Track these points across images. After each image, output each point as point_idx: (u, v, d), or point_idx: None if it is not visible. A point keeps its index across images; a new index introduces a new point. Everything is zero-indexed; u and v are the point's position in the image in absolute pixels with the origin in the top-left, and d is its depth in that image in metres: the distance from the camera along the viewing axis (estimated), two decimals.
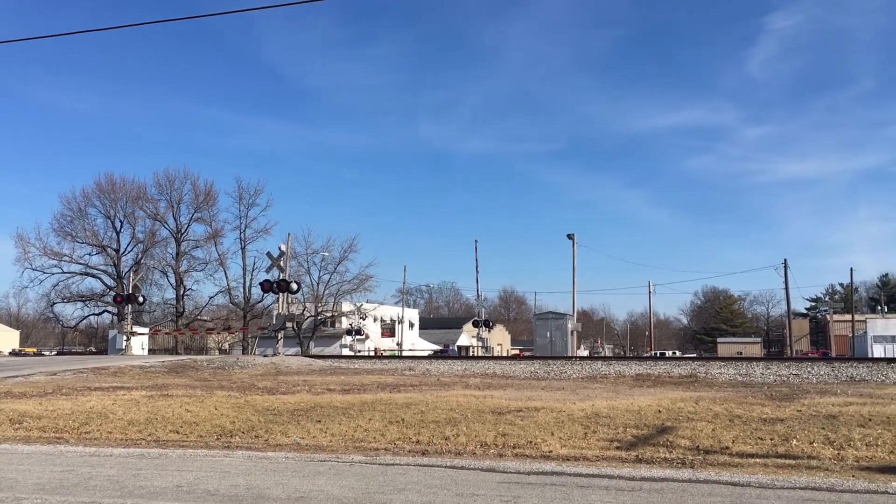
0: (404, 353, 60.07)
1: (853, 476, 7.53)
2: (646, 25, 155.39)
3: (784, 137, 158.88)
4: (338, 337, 68.78)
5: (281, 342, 34.70)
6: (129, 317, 42.21)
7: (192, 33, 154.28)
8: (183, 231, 62.65)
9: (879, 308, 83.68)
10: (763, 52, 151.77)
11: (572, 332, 40.08)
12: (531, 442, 9.38)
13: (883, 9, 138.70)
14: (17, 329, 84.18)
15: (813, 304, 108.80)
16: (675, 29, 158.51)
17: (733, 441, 9.14)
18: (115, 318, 55.58)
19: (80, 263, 61.32)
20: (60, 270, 60.61)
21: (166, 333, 57.37)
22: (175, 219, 62.79)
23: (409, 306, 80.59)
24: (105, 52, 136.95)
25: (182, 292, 62.10)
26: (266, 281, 34.08)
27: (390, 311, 77.64)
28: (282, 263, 33.74)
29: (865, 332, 59.02)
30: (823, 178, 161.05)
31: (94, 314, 63.78)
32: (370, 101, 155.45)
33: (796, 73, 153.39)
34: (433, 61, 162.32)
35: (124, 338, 40.50)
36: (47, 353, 64.10)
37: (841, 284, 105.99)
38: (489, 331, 58.81)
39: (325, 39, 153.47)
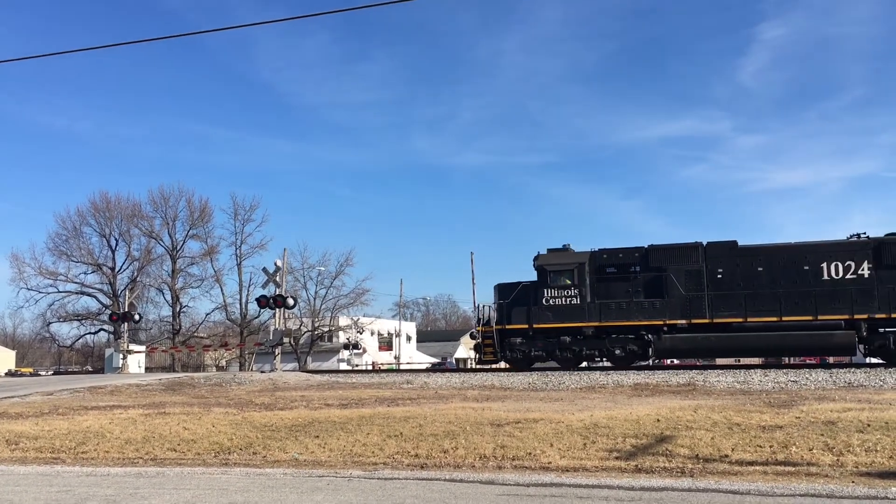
0: (402, 367, 59.89)
1: (853, 482, 7.52)
2: (638, 38, 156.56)
3: (777, 146, 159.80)
4: (335, 351, 68.62)
5: (278, 358, 34.58)
6: (126, 335, 42.04)
7: (186, 51, 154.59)
8: (178, 248, 62.62)
9: None
10: (755, 62, 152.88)
11: None
12: (530, 454, 9.34)
13: (873, 18, 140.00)
14: (13, 349, 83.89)
15: None
16: (667, 41, 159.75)
17: (732, 449, 9.12)
18: (112, 336, 55.45)
19: (76, 282, 61.23)
20: (56, 290, 60.54)
21: (163, 351, 57.17)
22: (170, 236, 62.76)
23: (406, 319, 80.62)
24: (99, 71, 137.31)
25: (178, 309, 61.93)
26: (262, 297, 34.00)
27: (387, 325, 77.54)
28: (278, 279, 33.70)
29: None
30: (817, 186, 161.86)
31: (90, 333, 63.60)
32: (365, 117, 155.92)
33: (788, 83, 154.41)
34: (427, 77, 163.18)
35: (121, 356, 40.35)
36: (44, 372, 63.82)
37: None
38: None
39: (320, 56, 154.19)
